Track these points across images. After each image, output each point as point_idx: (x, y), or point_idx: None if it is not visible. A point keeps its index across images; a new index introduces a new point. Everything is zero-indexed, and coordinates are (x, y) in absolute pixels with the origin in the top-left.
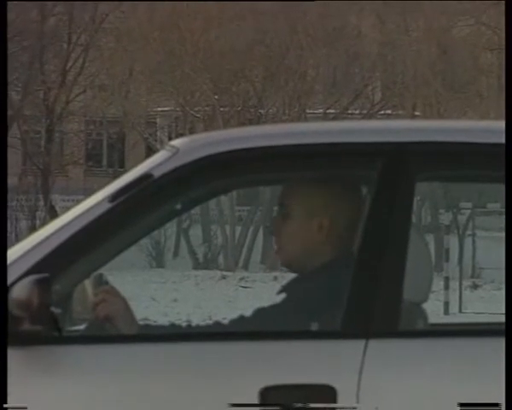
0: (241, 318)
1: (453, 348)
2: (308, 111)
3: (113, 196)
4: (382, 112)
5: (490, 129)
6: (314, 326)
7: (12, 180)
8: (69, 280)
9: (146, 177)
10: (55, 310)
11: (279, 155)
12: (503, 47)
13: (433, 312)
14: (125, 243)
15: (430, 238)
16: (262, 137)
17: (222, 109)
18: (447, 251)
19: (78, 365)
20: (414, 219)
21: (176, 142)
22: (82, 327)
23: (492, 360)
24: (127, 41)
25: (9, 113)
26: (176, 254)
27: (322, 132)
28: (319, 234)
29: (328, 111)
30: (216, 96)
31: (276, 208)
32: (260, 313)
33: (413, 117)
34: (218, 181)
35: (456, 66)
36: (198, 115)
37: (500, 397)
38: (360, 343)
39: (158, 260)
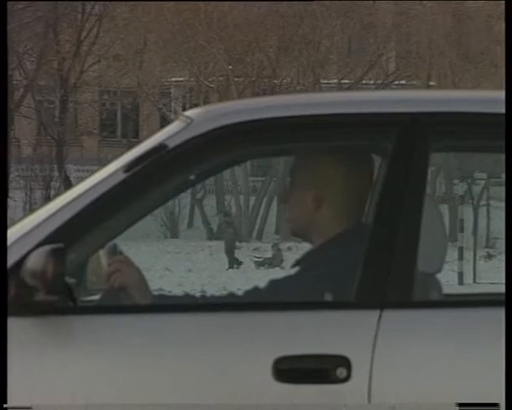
0: (256, 288)
1: (467, 319)
2: (322, 81)
3: (128, 167)
4: (397, 82)
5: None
6: (328, 297)
7: (26, 150)
8: (84, 250)
9: (160, 147)
10: (70, 280)
11: (292, 125)
12: None
13: (448, 282)
14: (139, 214)
15: (444, 209)
16: (276, 108)
17: (236, 80)
18: (462, 221)
19: (92, 335)
20: (428, 189)
21: (190, 112)
22: (96, 297)
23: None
24: (141, 11)
25: (24, 83)
26: (190, 224)
27: (335, 103)
28: (329, 205)
29: (342, 81)
30: (230, 67)
31: (287, 178)
32: (274, 283)
33: (428, 87)
34: (232, 152)
35: (470, 36)
36: (212, 86)
37: None
38: (374, 314)
39: (172, 231)
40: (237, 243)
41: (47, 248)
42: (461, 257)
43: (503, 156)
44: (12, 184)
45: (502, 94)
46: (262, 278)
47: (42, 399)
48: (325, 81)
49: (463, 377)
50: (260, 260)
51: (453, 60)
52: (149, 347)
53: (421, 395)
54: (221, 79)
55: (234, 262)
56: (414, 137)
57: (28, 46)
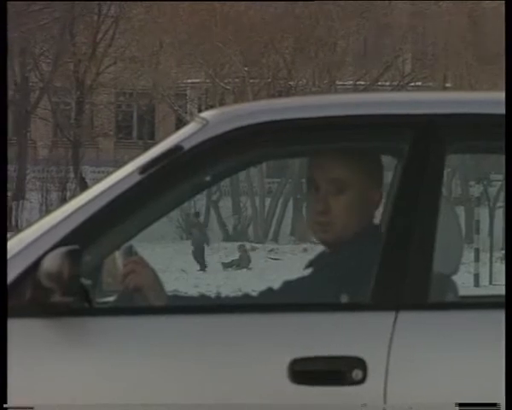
0: (270, 290)
1: (483, 321)
2: (338, 83)
3: (143, 168)
4: (413, 83)
5: None
6: (344, 298)
7: (43, 152)
8: (99, 252)
9: (176, 149)
10: (86, 282)
11: (308, 127)
12: None
13: (464, 284)
14: (154, 216)
15: (461, 210)
16: (291, 110)
17: (252, 81)
18: (478, 223)
19: (108, 337)
20: (444, 190)
21: (205, 114)
22: (112, 299)
23: None
24: (157, 12)
25: (40, 84)
26: (205, 225)
27: (350, 104)
28: (346, 206)
29: (358, 83)
30: (246, 68)
31: (305, 182)
32: (289, 285)
33: (444, 88)
34: (247, 153)
35: (487, 36)
36: (228, 87)
37: None
38: (390, 315)
39: (188, 232)
40: (206, 245)
41: (63, 249)
42: (477, 259)
43: None
44: (28, 186)
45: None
46: (277, 280)
47: (55, 400)
48: (341, 83)
49: (479, 379)
50: (226, 261)
51: (469, 61)
52: (164, 348)
53: (436, 396)
54: (237, 80)
55: (202, 265)
56: (430, 138)
57: (44, 48)
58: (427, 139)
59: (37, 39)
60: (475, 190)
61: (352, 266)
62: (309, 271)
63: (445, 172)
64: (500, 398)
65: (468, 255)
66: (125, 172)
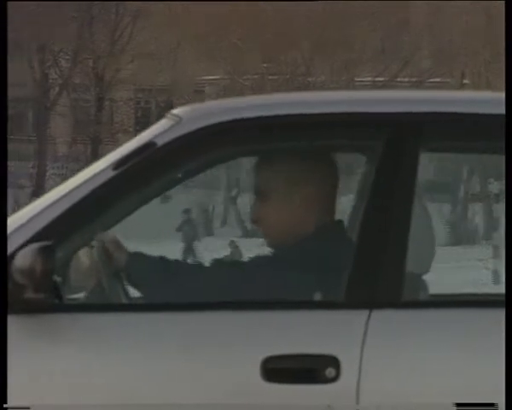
0: (241, 287)
1: (456, 319)
2: (356, 79)
3: (117, 165)
4: (431, 80)
5: (493, 100)
6: (317, 296)
7: (62, 148)
8: (72, 248)
9: (149, 145)
10: (58, 278)
11: (278, 124)
12: None
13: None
14: (127, 211)
15: (479, 207)
16: (262, 107)
17: (270, 78)
18: (496, 220)
19: (80, 333)
20: (419, 189)
21: (178, 110)
22: (81, 295)
23: None
24: (175, 9)
25: (59, 81)
26: (224, 222)
27: (323, 102)
28: (311, 207)
29: (376, 79)
30: (264, 65)
31: (262, 186)
32: (259, 281)
33: (462, 85)
34: (220, 150)
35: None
36: (246, 84)
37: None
38: (363, 314)
39: (206, 229)
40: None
41: (35, 245)
42: (496, 255)
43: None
44: (48, 182)
45: (490, 95)
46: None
47: (27, 396)
48: (359, 79)
49: (452, 377)
50: (218, 258)
51: (487, 58)
52: (136, 345)
53: (409, 394)
54: (255, 76)
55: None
56: (403, 137)
57: (63, 45)
58: (400, 138)
59: (56, 36)
60: (494, 187)
61: (324, 264)
62: (281, 267)
63: (464, 169)
64: (472, 397)
65: (486, 252)
66: (98, 168)
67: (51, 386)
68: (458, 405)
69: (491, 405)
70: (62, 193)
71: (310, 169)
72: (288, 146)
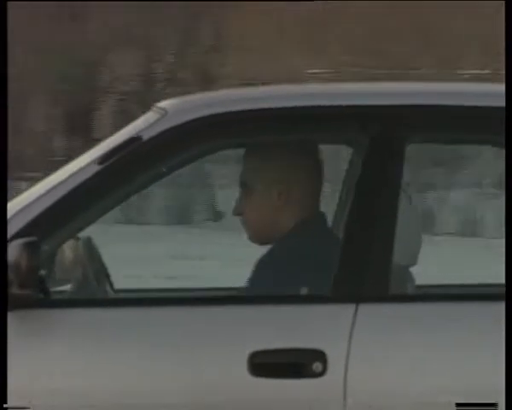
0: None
1: (444, 313)
2: (459, 72)
3: (102, 159)
4: None
5: (482, 92)
6: (303, 290)
7: None
8: (57, 243)
9: (134, 139)
10: (43, 273)
11: (263, 117)
12: None
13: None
14: (112, 205)
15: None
16: (250, 100)
17: (373, 72)
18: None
19: (67, 328)
20: (406, 181)
21: (164, 103)
22: (68, 288)
23: None
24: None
25: (165, 76)
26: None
27: (312, 95)
28: (295, 201)
29: (480, 72)
30: (367, 58)
31: (248, 178)
32: (250, 276)
33: None
34: (206, 143)
35: None
36: (347, 77)
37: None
38: (350, 307)
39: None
40: None
41: (21, 241)
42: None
43: None
44: None
45: (476, 87)
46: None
47: (14, 392)
48: (462, 72)
49: (439, 372)
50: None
51: None
52: (120, 340)
53: (396, 389)
54: (358, 70)
55: None
56: (389, 130)
57: (168, 41)
58: (386, 131)
59: (160, 31)
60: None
61: (310, 258)
62: (266, 262)
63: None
64: (461, 391)
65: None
66: (83, 163)
67: (38, 384)
68: (458, 405)
69: (492, 405)
70: (47, 187)
71: (292, 163)
72: (271, 140)
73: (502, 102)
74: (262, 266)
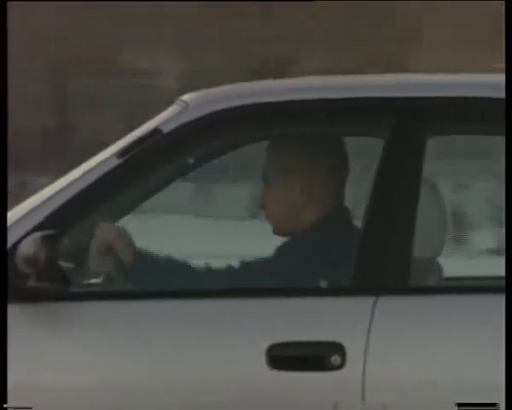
0: (245, 273)
1: (465, 305)
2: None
3: (122, 152)
4: None
5: (497, 84)
6: (323, 283)
7: None
8: (77, 236)
9: (155, 132)
10: (63, 266)
11: (284, 110)
12: None
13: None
14: (133, 199)
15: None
16: (271, 93)
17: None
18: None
19: (85, 321)
20: (427, 173)
21: (186, 97)
22: (89, 283)
23: None
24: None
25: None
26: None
27: (330, 88)
28: (317, 194)
29: None
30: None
31: (271, 171)
32: (262, 268)
33: None
34: (227, 136)
35: None
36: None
37: None
38: (369, 300)
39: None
40: None
41: (39, 234)
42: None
43: None
44: None
45: (493, 78)
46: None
47: (29, 387)
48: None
49: (459, 364)
50: None
51: None
52: (139, 333)
53: (415, 382)
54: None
55: None
56: (410, 121)
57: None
58: (407, 122)
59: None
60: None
61: (331, 250)
62: (284, 254)
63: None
64: (482, 384)
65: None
66: (104, 157)
67: (48, 375)
68: (460, 405)
69: (493, 405)
70: (68, 181)
71: (315, 159)
72: (293, 133)
73: None
74: (281, 257)
